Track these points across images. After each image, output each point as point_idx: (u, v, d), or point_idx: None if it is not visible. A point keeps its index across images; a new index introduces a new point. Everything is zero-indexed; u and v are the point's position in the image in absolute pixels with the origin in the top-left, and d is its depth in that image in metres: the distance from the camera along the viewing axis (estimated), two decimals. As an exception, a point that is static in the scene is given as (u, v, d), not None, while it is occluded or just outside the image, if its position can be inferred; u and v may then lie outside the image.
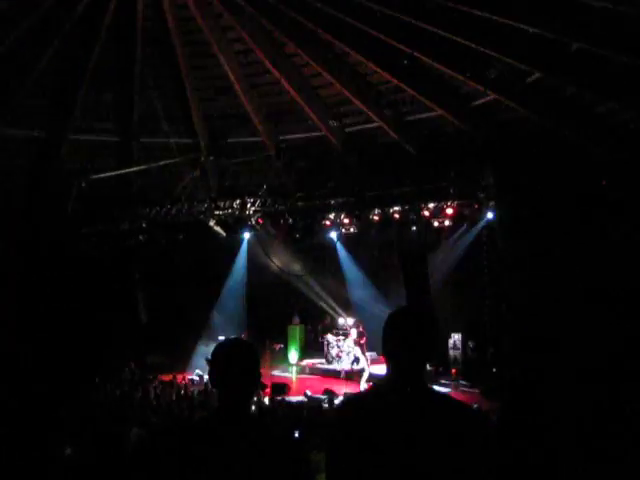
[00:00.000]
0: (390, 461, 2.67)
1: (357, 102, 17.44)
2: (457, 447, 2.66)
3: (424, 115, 17.31)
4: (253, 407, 12.69)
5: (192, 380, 16.95)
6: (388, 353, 2.97)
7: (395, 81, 16.28)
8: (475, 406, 9.20)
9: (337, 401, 13.89)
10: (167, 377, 16.75)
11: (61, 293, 16.72)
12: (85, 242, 19.25)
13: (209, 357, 3.13)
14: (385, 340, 2.97)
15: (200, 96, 18.28)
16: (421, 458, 2.64)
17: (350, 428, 2.89)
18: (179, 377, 16.94)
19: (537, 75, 14.22)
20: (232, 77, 17.23)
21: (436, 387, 15.49)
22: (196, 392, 14.52)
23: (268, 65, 16.75)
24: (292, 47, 16.36)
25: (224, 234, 20.84)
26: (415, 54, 14.75)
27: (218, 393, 3.03)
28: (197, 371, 17.64)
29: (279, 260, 21.86)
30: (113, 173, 18.97)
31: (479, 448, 2.71)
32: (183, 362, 19.00)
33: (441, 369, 18.34)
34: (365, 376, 16.50)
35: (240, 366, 3.00)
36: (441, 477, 2.62)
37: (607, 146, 14.63)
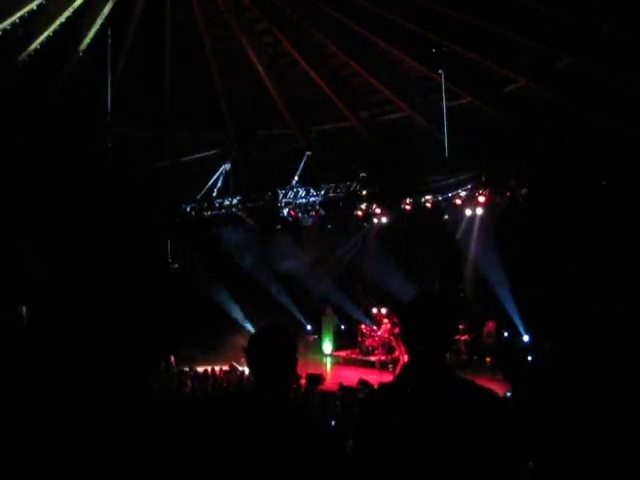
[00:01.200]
0: (411, 448, 2.68)
1: (386, 91, 17.40)
2: (478, 432, 2.65)
3: (454, 103, 17.19)
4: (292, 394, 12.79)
5: (226, 372, 17.03)
6: (406, 339, 2.98)
7: (424, 69, 16.20)
8: (508, 394, 9.15)
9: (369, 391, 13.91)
10: (203, 369, 16.85)
11: (100, 291, 16.91)
12: (120, 237, 19.42)
13: (245, 346, 3.15)
14: (403, 327, 2.98)
15: (229, 89, 18.34)
16: (442, 444, 2.64)
17: (373, 418, 2.91)
18: (215, 369, 17.03)
19: (567, 60, 14.07)
20: (261, 69, 17.28)
21: (471, 376, 15.43)
22: (231, 384, 14.60)
23: (296, 56, 16.76)
24: (320, 38, 16.35)
25: (256, 227, 20.91)
26: (444, 42, 14.67)
27: (255, 379, 3.06)
28: (232, 363, 17.75)
29: (312, 251, 21.89)
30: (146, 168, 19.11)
31: (500, 432, 2.70)
32: (217, 354, 19.10)
33: (476, 358, 18.26)
34: (400, 365, 16.47)
35: (276, 351, 3.03)
36: (463, 463, 2.62)
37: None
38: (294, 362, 3.10)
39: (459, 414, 2.70)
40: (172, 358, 17.65)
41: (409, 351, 2.98)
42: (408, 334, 2.96)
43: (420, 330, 2.89)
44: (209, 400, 12.26)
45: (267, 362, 3.02)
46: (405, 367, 3.00)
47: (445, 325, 2.94)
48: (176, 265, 21.06)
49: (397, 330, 17.85)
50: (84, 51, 15.99)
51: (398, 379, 3.05)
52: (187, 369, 16.61)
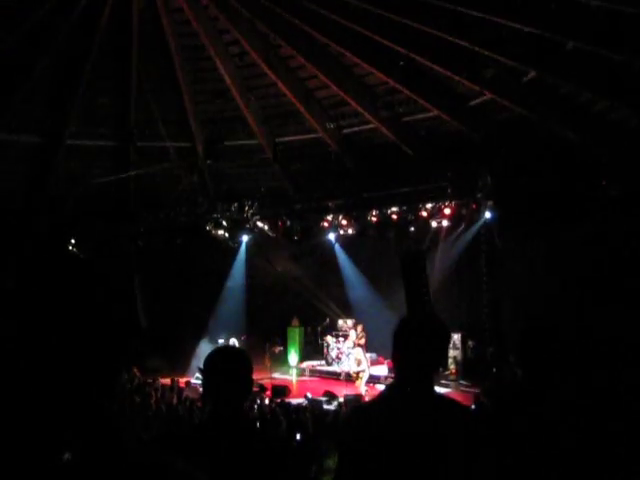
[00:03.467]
0: (397, 467, 2.68)
1: (353, 104, 17.45)
2: (461, 449, 2.67)
3: (421, 116, 17.30)
4: (257, 405, 12.73)
5: (191, 383, 16.90)
6: (395, 360, 2.97)
7: (391, 82, 16.29)
8: (473, 407, 9.20)
9: (336, 403, 13.90)
10: (167, 381, 16.71)
11: (59, 298, 16.68)
12: (83, 246, 19.24)
13: (201, 366, 3.13)
14: (396, 346, 2.96)
15: (196, 100, 18.29)
16: (426, 462, 2.65)
17: (358, 436, 2.90)
18: (179, 380, 16.90)
19: (533, 74, 14.22)
20: (228, 80, 17.25)
21: (436, 387, 15.48)
22: (197, 396, 14.49)
23: (264, 68, 16.75)
24: (288, 50, 16.37)
25: (223, 237, 20.86)
26: (411, 55, 14.76)
27: (210, 402, 3.04)
28: (197, 374, 17.60)
29: (278, 262, 21.89)
30: (110, 178, 18.99)
31: (480, 448, 2.72)
32: (183, 365, 18.97)
33: (441, 369, 18.31)
34: (365, 377, 16.47)
35: (229, 374, 2.99)
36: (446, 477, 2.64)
37: (604, 144, 14.63)
38: (250, 385, 3.08)
39: (446, 435, 2.72)
40: (135, 369, 17.46)
41: (396, 372, 2.98)
42: (397, 357, 2.95)
43: (416, 354, 2.89)
44: (170, 419, 12.09)
45: (219, 385, 2.99)
46: (392, 384, 3.00)
47: (436, 349, 2.94)
48: (138, 276, 20.92)
49: (363, 341, 17.90)
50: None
51: (384, 396, 3.05)
52: (151, 380, 16.46)
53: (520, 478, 3.02)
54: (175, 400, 14.33)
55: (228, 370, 3.01)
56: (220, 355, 3.15)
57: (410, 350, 2.91)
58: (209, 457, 2.81)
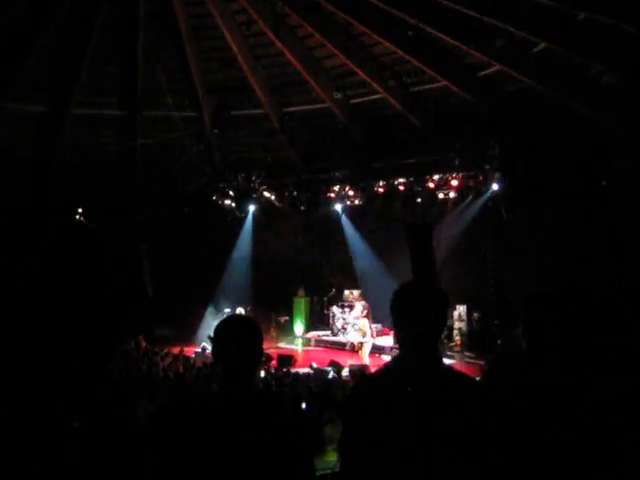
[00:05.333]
0: (402, 439, 2.69)
1: (361, 73, 17.33)
2: (467, 420, 2.69)
3: (429, 86, 17.19)
4: (262, 374, 12.81)
5: (197, 352, 17.00)
6: (398, 329, 2.97)
7: (400, 52, 16.16)
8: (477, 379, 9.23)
9: (344, 373, 13.97)
10: (175, 349, 16.81)
11: (65, 270, 16.74)
12: (90, 216, 19.27)
13: (211, 335, 3.14)
14: (394, 316, 2.96)
15: (203, 69, 18.19)
16: (432, 433, 2.67)
17: (363, 407, 2.91)
18: (186, 349, 17.00)
19: (543, 45, 14.09)
20: (235, 49, 17.14)
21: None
22: (202, 364, 14.57)
23: (271, 37, 16.62)
24: (295, 19, 16.24)
25: (229, 207, 20.88)
26: (420, 25, 14.63)
27: (222, 370, 3.06)
28: (203, 344, 17.69)
29: (284, 233, 21.91)
30: (117, 147, 18.98)
31: (485, 419, 2.74)
32: (190, 335, 19.08)
33: (446, 341, 18.41)
34: (368, 348, 16.55)
35: (241, 342, 3.01)
36: (451, 450, 2.64)
37: (613, 116, 14.53)
38: (260, 353, 3.09)
39: (453, 405, 2.74)
40: (141, 338, 17.57)
41: (400, 342, 2.99)
42: (399, 325, 2.96)
43: (416, 320, 2.89)
44: (178, 383, 12.19)
45: (231, 353, 3.01)
46: (398, 356, 3.00)
47: (436, 315, 2.93)
48: (145, 245, 20.91)
49: (368, 312, 17.95)
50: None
51: (390, 367, 3.05)
52: (158, 349, 16.56)
53: (525, 450, 3.03)
54: (182, 369, 14.43)
55: (240, 338, 3.03)
56: (232, 323, 3.18)
57: (409, 318, 2.91)
58: (223, 426, 2.84)
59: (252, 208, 21.62)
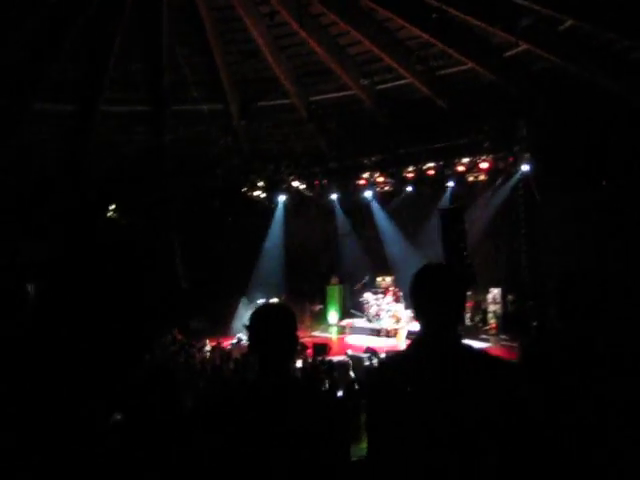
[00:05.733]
0: (428, 420, 2.70)
1: (387, 59, 17.26)
2: (492, 402, 2.68)
3: (455, 69, 17.08)
4: (299, 364, 12.89)
5: (233, 344, 17.13)
6: (418, 311, 2.97)
7: (425, 36, 16.07)
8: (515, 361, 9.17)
9: (378, 359, 13.99)
10: (210, 342, 16.95)
11: (100, 265, 16.95)
12: (122, 212, 19.46)
13: (246, 323, 3.16)
14: (414, 298, 2.97)
15: (228, 61, 18.22)
16: (457, 415, 2.67)
17: (386, 390, 2.91)
18: (222, 341, 17.12)
19: (569, 22, 13.93)
20: (259, 40, 17.16)
21: (476, 342, 15.54)
22: (239, 356, 14.68)
23: (295, 26, 16.60)
24: (318, 7, 16.20)
25: (259, 198, 20.94)
26: (444, 7, 14.53)
27: (257, 358, 3.09)
28: (238, 335, 17.81)
29: (315, 222, 21.95)
30: (146, 143, 19.11)
31: (512, 401, 2.73)
32: (224, 326, 19.20)
33: (480, 324, 18.36)
34: (404, 333, 16.57)
35: (277, 330, 3.03)
36: (477, 432, 2.64)
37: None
38: (295, 340, 3.11)
39: (474, 383, 2.73)
40: (177, 331, 17.74)
41: (421, 321, 2.99)
42: (419, 306, 2.96)
43: (432, 301, 2.90)
44: (217, 374, 12.32)
45: (267, 341, 3.03)
46: (418, 337, 3.00)
47: (456, 294, 2.94)
48: (177, 239, 21.06)
49: (400, 298, 17.95)
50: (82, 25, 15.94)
51: (411, 348, 3.05)
52: (194, 342, 16.71)
53: (561, 431, 3.02)
54: (219, 360, 14.55)
55: (274, 325, 3.05)
56: (266, 311, 3.20)
57: (426, 299, 2.92)
58: (260, 415, 2.87)
59: (282, 198, 21.67)
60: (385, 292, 19.94)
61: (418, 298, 2.96)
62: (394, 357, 3.09)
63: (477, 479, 2.63)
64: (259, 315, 3.12)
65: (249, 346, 3.16)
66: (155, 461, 3.27)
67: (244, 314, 18.26)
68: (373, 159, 19.25)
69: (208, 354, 15.50)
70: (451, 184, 18.86)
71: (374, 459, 2.91)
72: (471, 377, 2.74)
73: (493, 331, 17.84)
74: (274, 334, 3.03)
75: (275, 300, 18.27)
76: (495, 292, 18.25)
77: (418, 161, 18.56)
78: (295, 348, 3.16)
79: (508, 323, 17.47)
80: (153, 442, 3.40)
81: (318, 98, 19.11)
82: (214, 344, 16.55)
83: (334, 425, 2.93)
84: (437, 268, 3.10)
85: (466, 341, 3.02)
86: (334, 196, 21.62)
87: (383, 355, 14.24)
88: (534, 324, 15.74)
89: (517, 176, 17.20)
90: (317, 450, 2.84)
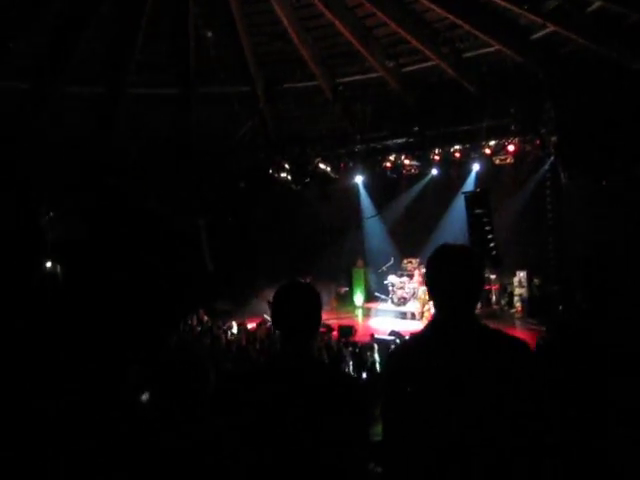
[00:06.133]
0: (443, 403, 2.71)
1: (413, 41, 17.17)
2: (509, 383, 2.68)
3: (482, 51, 16.95)
4: (322, 352, 12.93)
5: (259, 325, 17.21)
6: (433, 292, 2.96)
7: (451, 17, 15.96)
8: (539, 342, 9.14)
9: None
10: (237, 323, 17.02)
11: (127, 246, 17.06)
12: (148, 195, 19.56)
13: (270, 299, 3.16)
14: (429, 279, 2.97)
15: (254, 42, 18.21)
16: (474, 397, 2.67)
17: (402, 373, 2.91)
18: (248, 322, 17.20)
19: (598, 3, 13.77)
20: (285, 22, 17.12)
21: (502, 325, 15.50)
22: (265, 336, 14.75)
23: (321, 8, 16.56)
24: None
25: (285, 180, 20.96)
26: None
27: (280, 335, 3.10)
28: (264, 315, 17.89)
29: (341, 203, 21.95)
30: (173, 125, 19.17)
31: (532, 382, 2.73)
32: (251, 308, 19.28)
33: (506, 307, 18.34)
34: (430, 317, 16.56)
35: (300, 307, 3.04)
36: (494, 414, 2.64)
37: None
38: (319, 319, 3.11)
39: (490, 364, 2.72)
40: (202, 312, 17.83)
41: (437, 303, 2.98)
42: (434, 288, 2.96)
43: (448, 281, 2.88)
44: (242, 355, 12.40)
45: (290, 318, 3.04)
46: (434, 319, 3.00)
47: (473, 275, 2.92)
48: (204, 221, 21.11)
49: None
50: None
51: (427, 330, 3.04)
52: (220, 323, 16.81)
53: (582, 414, 3.04)
54: (244, 341, 14.64)
55: (296, 301, 3.07)
56: (289, 287, 3.19)
57: (440, 280, 2.91)
58: (280, 392, 2.90)
59: (308, 180, 21.66)
60: (411, 275, 19.94)
61: (433, 279, 2.96)
62: (410, 340, 3.08)
63: (492, 463, 2.63)
64: (282, 292, 3.13)
65: (272, 322, 3.17)
66: (180, 441, 3.32)
67: (269, 295, 18.32)
68: (399, 141, 19.19)
69: (234, 335, 15.59)
70: (477, 167, 18.77)
71: (389, 442, 2.93)
72: (486, 359, 2.74)
73: (519, 314, 17.84)
74: (296, 311, 3.04)
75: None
76: (521, 275, 18.21)
77: (444, 144, 18.49)
78: (317, 327, 3.15)
79: (534, 307, 17.43)
80: (178, 422, 3.45)
81: (344, 80, 19.05)
82: (240, 325, 16.64)
83: (354, 405, 2.95)
84: (453, 249, 3.04)
85: (491, 324, 3.01)
86: (359, 178, 21.58)
87: (407, 338, 14.25)
88: (560, 308, 15.68)
89: (544, 159, 17.11)
90: (335, 429, 2.85)
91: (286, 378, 2.95)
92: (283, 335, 3.07)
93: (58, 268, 17.71)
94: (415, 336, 3.05)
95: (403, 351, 3.20)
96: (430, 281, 2.95)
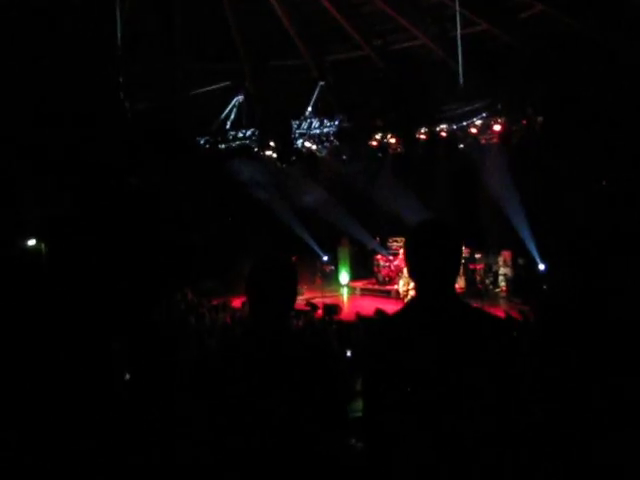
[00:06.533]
0: (424, 379, 2.71)
1: (400, 19, 17.11)
2: (492, 360, 2.67)
3: (469, 30, 16.90)
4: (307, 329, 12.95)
5: (244, 303, 17.18)
6: (413, 270, 2.92)
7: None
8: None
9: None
10: (222, 301, 17.01)
11: (113, 223, 17.01)
12: (135, 173, 19.46)
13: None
14: (409, 257, 2.93)
15: (241, 20, 18.08)
16: (455, 375, 2.67)
17: (382, 351, 2.88)
18: (233, 300, 17.19)
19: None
20: (272, -1, 17.03)
21: (485, 305, 15.56)
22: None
23: (308, -16, 16.49)
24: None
25: (271, 158, 20.89)
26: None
27: (255, 308, 3.04)
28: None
29: (326, 182, 21.93)
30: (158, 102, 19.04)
31: (514, 360, 2.73)
32: (237, 286, 19.25)
33: (491, 287, 18.43)
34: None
35: (274, 279, 3.01)
36: (477, 392, 2.64)
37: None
38: (294, 291, 3.07)
39: (471, 340, 2.71)
40: (188, 290, 17.81)
41: (416, 280, 2.94)
42: (414, 265, 2.93)
43: (426, 257, 2.86)
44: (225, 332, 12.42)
45: (266, 290, 3.00)
46: (415, 297, 2.98)
47: (451, 250, 2.89)
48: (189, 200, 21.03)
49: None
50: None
51: (408, 308, 3.02)
52: (204, 301, 16.79)
53: (566, 394, 3.06)
54: (229, 320, 14.63)
55: (272, 276, 3.03)
56: (265, 262, 3.14)
57: (419, 256, 2.89)
58: (253, 365, 2.89)
59: (293, 158, 21.61)
60: (396, 254, 19.99)
61: (412, 256, 2.93)
62: (391, 318, 3.06)
63: (472, 441, 2.64)
64: (257, 265, 3.10)
65: (247, 296, 3.08)
66: (158, 418, 3.34)
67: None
68: (385, 120, 19.16)
69: (219, 313, 15.58)
70: (463, 146, 18.77)
71: (369, 418, 2.93)
72: (468, 336, 2.73)
73: (504, 294, 17.94)
74: (270, 283, 3.01)
75: (286, 260, 18.33)
76: (506, 255, 18.29)
77: (430, 123, 18.47)
78: (293, 298, 3.10)
79: (519, 286, 17.52)
80: (158, 400, 3.47)
81: (330, 58, 18.98)
82: (225, 303, 16.63)
83: (330, 380, 2.94)
84: (432, 225, 3.02)
85: (476, 304, 3.01)
86: (345, 157, 21.55)
87: (383, 317, 14.29)
88: (544, 287, 15.78)
89: (530, 139, 17.12)
90: (312, 399, 2.85)
91: (262, 349, 2.93)
92: (255, 309, 3.05)
93: (42, 245, 17.68)
94: (396, 314, 3.03)
95: (384, 328, 3.17)
96: (409, 258, 2.92)
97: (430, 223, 3.04)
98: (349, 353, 9.96)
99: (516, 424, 2.64)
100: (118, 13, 16.46)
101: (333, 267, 21.72)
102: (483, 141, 18.05)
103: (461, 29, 16.75)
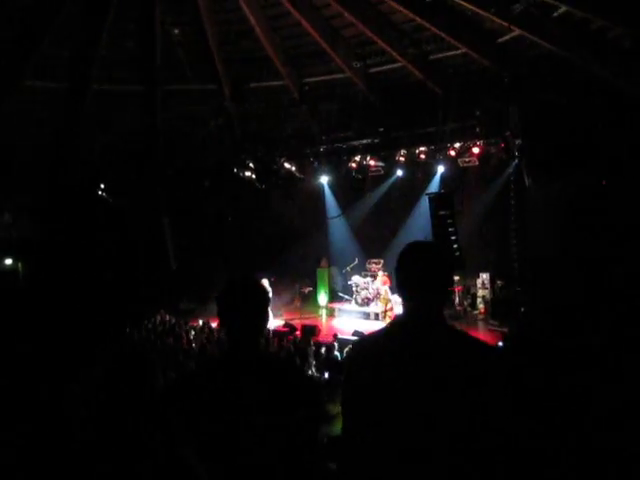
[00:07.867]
0: (403, 401, 2.69)
1: (380, 42, 17.21)
2: (472, 385, 2.66)
3: (448, 53, 17.05)
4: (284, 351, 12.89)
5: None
6: (404, 287, 2.93)
7: (418, 19, 16.03)
8: (499, 344, 9.20)
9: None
10: (199, 322, 16.94)
11: (90, 244, 16.92)
12: (112, 191, 19.41)
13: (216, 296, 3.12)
14: (401, 274, 2.93)
15: (221, 41, 18.12)
16: (435, 395, 2.66)
17: (361, 368, 2.90)
18: (211, 321, 17.12)
19: (563, 9, 13.92)
20: (252, 20, 17.06)
21: (465, 326, 15.58)
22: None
23: (288, 7, 16.54)
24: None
25: (250, 179, 20.89)
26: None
27: (225, 331, 3.06)
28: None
29: (304, 204, 21.96)
30: (138, 122, 19.02)
31: (494, 385, 2.71)
32: (214, 307, 19.15)
33: (469, 309, 18.46)
34: (393, 316, 16.59)
35: (245, 303, 3.03)
36: (454, 415, 2.63)
37: (636, 81, 14.35)
38: (264, 315, 3.09)
39: (452, 363, 2.71)
40: (164, 311, 17.76)
41: (406, 298, 2.95)
42: (402, 285, 2.95)
43: (420, 275, 2.87)
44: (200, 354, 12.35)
45: (237, 314, 3.02)
46: (399, 317, 2.97)
47: (443, 270, 2.91)
48: (167, 219, 20.96)
49: (391, 281, 17.98)
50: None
51: (390, 327, 3.02)
52: (182, 322, 16.72)
53: (544, 413, 3.06)
54: (206, 340, 14.56)
55: (243, 299, 3.04)
56: (236, 285, 3.15)
57: (413, 278, 2.89)
58: (226, 388, 2.87)
59: (272, 179, 21.62)
60: (374, 276, 19.99)
61: (405, 273, 2.94)
62: (371, 337, 3.06)
63: (451, 462, 2.62)
64: (228, 288, 3.10)
65: (219, 317, 3.11)
66: (128, 446, 3.28)
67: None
68: (364, 142, 19.23)
69: (196, 334, 15.51)
70: (442, 168, 18.87)
71: (346, 438, 2.91)
72: (450, 358, 2.73)
73: (482, 316, 17.97)
74: (242, 307, 3.02)
75: (265, 281, 18.30)
76: (484, 277, 18.36)
77: (409, 145, 18.56)
78: (264, 323, 3.12)
79: (497, 308, 17.56)
80: (126, 426, 3.41)
81: (311, 80, 19.04)
82: (202, 324, 16.56)
83: (303, 401, 2.94)
84: (424, 245, 3.06)
85: (454, 325, 3.00)
86: (324, 178, 21.58)
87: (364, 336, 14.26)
88: (522, 310, 15.82)
89: (508, 162, 17.26)
90: (285, 426, 2.84)
91: (231, 374, 2.93)
92: (228, 331, 3.04)
93: (19, 265, 17.56)
94: (376, 333, 3.02)
95: (363, 347, 3.17)
96: (401, 275, 2.92)
97: (422, 243, 3.08)
98: (327, 375, 9.93)
99: (490, 444, 2.63)
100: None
101: (311, 288, 21.67)
102: (462, 164, 18.15)
103: (440, 52, 16.92)
